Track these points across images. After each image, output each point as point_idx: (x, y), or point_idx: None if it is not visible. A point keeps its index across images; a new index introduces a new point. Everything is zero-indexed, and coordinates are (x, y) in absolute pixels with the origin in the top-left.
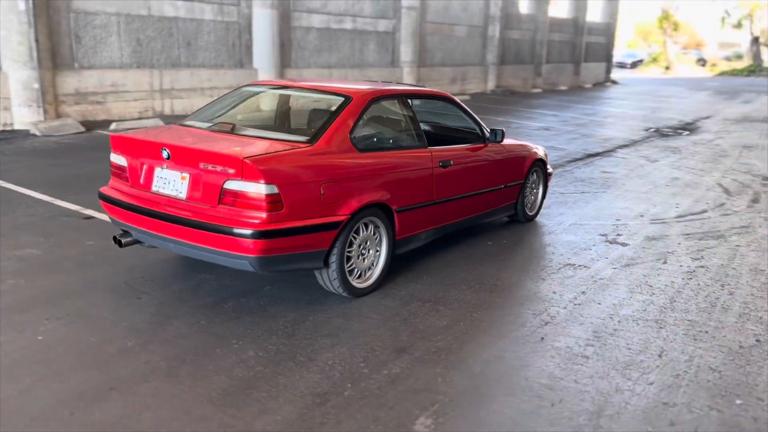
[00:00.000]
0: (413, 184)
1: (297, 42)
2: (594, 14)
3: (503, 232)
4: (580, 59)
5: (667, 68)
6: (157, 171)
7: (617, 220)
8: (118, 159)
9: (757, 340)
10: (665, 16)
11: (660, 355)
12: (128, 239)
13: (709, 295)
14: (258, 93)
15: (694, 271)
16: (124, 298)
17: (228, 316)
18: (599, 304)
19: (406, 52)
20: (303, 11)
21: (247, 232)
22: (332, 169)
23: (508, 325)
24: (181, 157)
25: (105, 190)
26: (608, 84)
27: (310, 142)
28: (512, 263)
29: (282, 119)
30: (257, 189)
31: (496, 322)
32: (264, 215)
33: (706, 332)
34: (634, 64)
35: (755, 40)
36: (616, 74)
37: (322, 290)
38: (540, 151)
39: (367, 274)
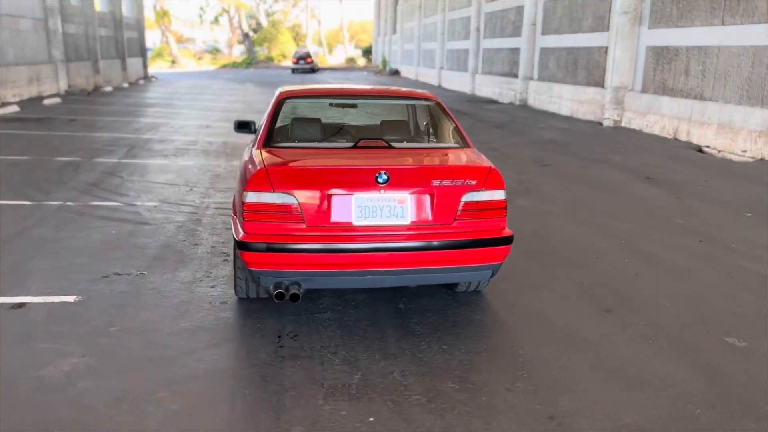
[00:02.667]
0: None
1: None
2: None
3: None
4: (125, 54)
5: (173, 62)
6: (357, 200)
7: None
8: (280, 197)
9: None
10: (163, 13)
11: None
12: (298, 290)
13: None
14: (304, 103)
15: None
16: None
17: None
18: None
19: None
20: None
21: (504, 239)
22: None
23: None
24: (404, 179)
25: (252, 238)
26: (153, 79)
27: (467, 146)
28: None
29: (383, 127)
30: (500, 197)
31: None
32: (504, 222)
33: None
34: None
35: (246, 36)
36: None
37: None
38: None
39: None
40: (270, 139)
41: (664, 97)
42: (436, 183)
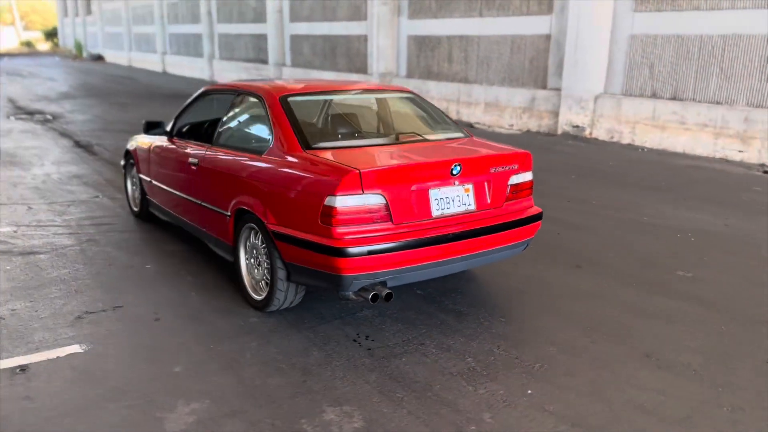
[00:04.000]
0: None
1: None
2: None
3: None
4: None
5: None
6: (433, 193)
7: None
8: (371, 198)
9: None
10: None
11: None
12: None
13: None
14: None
15: None
16: None
17: None
18: None
19: None
20: None
21: (539, 215)
22: None
23: None
24: (471, 169)
25: (348, 243)
26: None
27: (467, 135)
28: None
29: (385, 122)
30: (530, 177)
31: None
32: (532, 199)
33: None
34: None
35: None
36: None
37: None
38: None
39: None
40: (306, 141)
41: (431, 82)
42: (492, 170)
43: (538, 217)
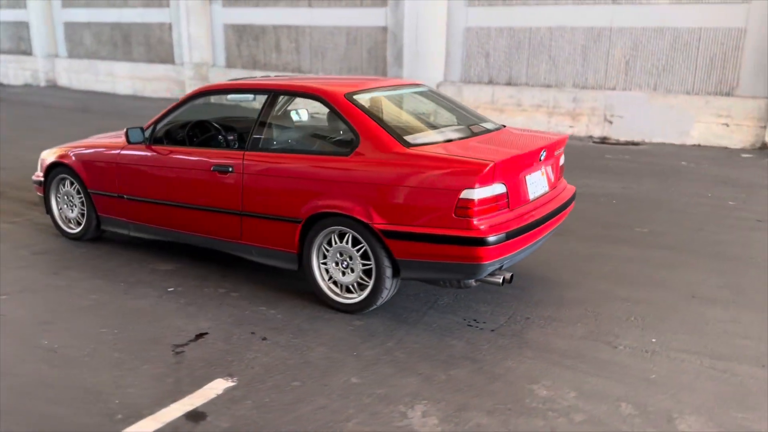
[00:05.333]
0: None
1: None
2: None
3: None
4: None
5: None
6: (529, 179)
7: None
8: (493, 189)
9: None
10: None
11: None
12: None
13: None
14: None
15: None
16: None
17: None
18: None
19: None
20: None
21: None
22: None
23: None
24: (549, 154)
25: (486, 232)
26: None
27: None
28: None
29: (441, 114)
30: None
31: None
32: None
33: None
34: None
35: None
36: None
37: None
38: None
39: None
40: (403, 138)
41: (258, 72)
42: (555, 153)
43: (575, 194)
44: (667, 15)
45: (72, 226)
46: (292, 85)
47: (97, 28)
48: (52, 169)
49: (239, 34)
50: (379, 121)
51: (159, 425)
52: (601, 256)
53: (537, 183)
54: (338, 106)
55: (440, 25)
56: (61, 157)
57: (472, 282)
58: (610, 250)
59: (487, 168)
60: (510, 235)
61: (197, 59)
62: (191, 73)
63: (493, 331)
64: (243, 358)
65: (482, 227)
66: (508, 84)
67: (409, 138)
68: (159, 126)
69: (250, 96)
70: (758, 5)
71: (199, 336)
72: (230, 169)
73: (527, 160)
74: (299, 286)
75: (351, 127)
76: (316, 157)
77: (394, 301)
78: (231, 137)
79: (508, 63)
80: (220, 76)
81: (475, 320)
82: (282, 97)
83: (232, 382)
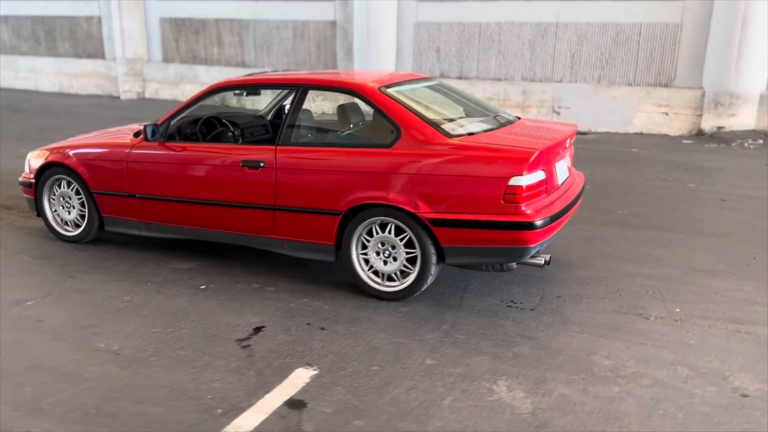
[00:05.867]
0: None
1: None
2: None
3: None
4: None
5: None
6: (557, 166)
7: None
8: (537, 176)
9: None
10: None
11: None
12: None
13: None
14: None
15: None
16: None
17: None
18: None
19: None
20: None
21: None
22: None
23: None
24: (570, 143)
25: (533, 216)
26: None
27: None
28: None
29: (465, 106)
30: None
31: None
32: None
33: None
34: None
35: None
36: None
37: None
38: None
39: None
40: (444, 129)
41: (199, 66)
42: (569, 142)
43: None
44: (610, 11)
45: (69, 228)
46: (324, 80)
47: (17, 22)
48: (45, 170)
49: (177, 28)
50: (419, 113)
51: (264, 415)
52: (599, 238)
53: (562, 170)
54: (375, 100)
55: (391, 20)
56: (58, 157)
57: (514, 265)
58: (604, 232)
59: (534, 155)
60: (552, 219)
61: (131, 54)
62: (124, 69)
63: (532, 310)
64: (311, 347)
65: (528, 212)
66: (460, 78)
67: (447, 129)
68: (173, 123)
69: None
70: (693, 2)
71: (258, 329)
72: (262, 164)
73: (559, 149)
74: (333, 278)
75: (391, 120)
76: (355, 150)
77: (428, 288)
78: (255, 132)
79: (458, 57)
80: (157, 72)
81: (512, 301)
82: (312, 92)
83: (314, 370)
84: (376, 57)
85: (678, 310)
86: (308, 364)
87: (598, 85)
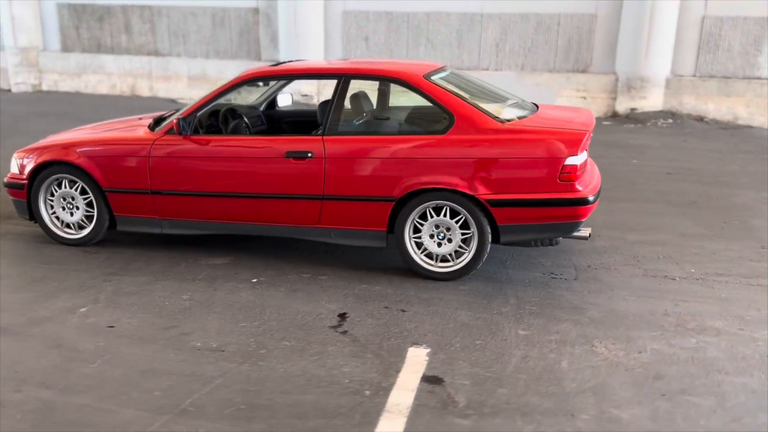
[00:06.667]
0: None
1: None
2: None
3: None
4: None
5: None
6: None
7: None
8: (584, 156)
9: None
10: None
11: None
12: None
13: None
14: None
15: None
16: None
17: None
18: None
19: None
20: None
21: None
22: None
23: None
24: None
25: (583, 194)
26: None
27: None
28: None
29: (493, 92)
30: None
31: None
32: None
33: None
34: None
35: None
36: None
37: None
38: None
39: None
40: (494, 115)
41: (105, 56)
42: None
43: None
44: (531, 2)
45: (71, 231)
46: (367, 70)
47: None
48: (41, 170)
49: (77, 14)
50: (468, 101)
51: (412, 392)
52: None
53: (587, 151)
54: (425, 88)
55: (318, 8)
56: (59, 155)
57: (560, 239)
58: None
59: (586, 136)
60: (597, 195)
61: (24, 43)
62: (16, 60)
63: (575, 280)
64: (406, 328)
65: (581, 189)
66: None
67: (497, 114)
68: (198, 115)
69: None
70: None
71: (342, 316)
72: (310, 155)
73: (591, 132)
74: (374, 263)
75: (443, 107)
76: (408, 138)
77: None
78: (254, 123)
79: (388, 46)
80: (55, 62)
81: (552, 273)
82: (354, 81)
83: (425, 348)
84: (304, 44)
85: (693, 270)
86: (415, 344)
87: (522, 72)
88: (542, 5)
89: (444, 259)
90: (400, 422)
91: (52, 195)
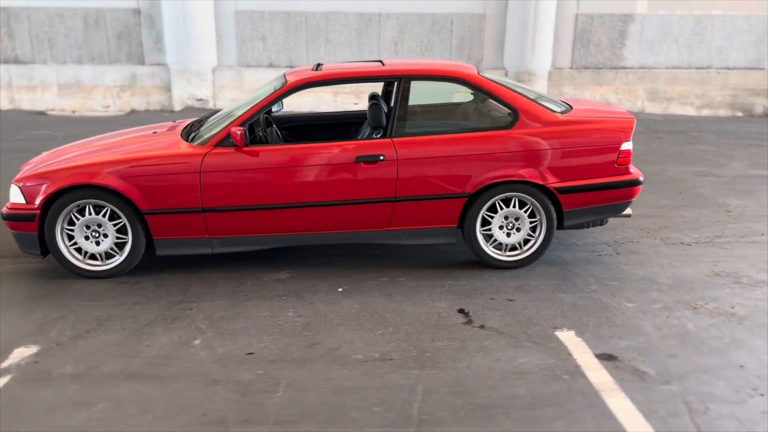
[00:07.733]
0: None
1: None
2: None
3: None
4: None
5: None
6: None
7: None
8: (631, 144)
9: None
10: None
11: None
12: None
13: None
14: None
15: None
16: None
17: None
18: None
19: None
20: None
21: None
22: None
23: None
24: None
25: (636, 176)
26: None
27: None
28: None
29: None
30: None
31: None
32: None
33: None
34: None
35: None
36: None
37: None
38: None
39: None
40: (551, 109)
41: None
42: None
43: None
44: (426, 2)
45: (97, 262)
46: (425, 70)
47: None
48: (58, 197)
49: None
50: (527, 97)
51: (602, 370)
52: None
53: None
54: (485, 86)
55: (207, 8)
56: (83, 178)
57: (609, 219)
58: None
59: (633, 124)
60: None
61: None
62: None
63: (618, 254)
64: (535, 316)
65: (633, 171)
66: (289, 66)
67: (554, 109)
68: (249, 126)
69: None
70: None
71: (462, 312)
72: (381, 158)
73: None
74: (435, 260)
75: (507, 103)
76: (476, 135)
77: None
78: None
79: (286, 46)
80: None
81: (594, 251)
82: (413, 82)
83: (568, 330)
84: (195, 46)
85: (696, 235)
86: (556, 328)
87: None
88: (436, 6)
89: (512, 248)
90: (622, 397)
91: (71, 224)
